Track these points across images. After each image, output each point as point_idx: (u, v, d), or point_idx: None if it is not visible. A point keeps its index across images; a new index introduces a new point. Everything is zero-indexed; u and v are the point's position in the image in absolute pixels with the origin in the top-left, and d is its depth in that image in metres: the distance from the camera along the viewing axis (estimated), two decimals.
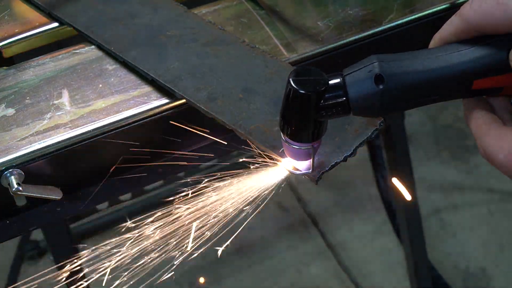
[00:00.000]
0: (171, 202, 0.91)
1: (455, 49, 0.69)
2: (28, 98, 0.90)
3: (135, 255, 0.91)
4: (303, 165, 0.79)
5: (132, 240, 0.92)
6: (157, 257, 0.90)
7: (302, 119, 0.71)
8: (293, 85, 0.69)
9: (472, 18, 0.67)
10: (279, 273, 2.30)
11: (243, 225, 0.91)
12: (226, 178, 0.90)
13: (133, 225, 0.93)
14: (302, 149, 0.75)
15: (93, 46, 0.98)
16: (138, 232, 0.92)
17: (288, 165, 0.81)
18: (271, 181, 0.87)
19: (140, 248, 0.91)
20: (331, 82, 0.69)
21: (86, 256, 0.91)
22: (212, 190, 0.90)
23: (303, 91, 0.68)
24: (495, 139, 0.66)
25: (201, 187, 0.91)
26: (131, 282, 0.89)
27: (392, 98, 0.68)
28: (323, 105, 0.69)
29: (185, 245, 0.89)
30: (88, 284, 0.95)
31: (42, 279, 0.89)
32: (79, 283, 0.94)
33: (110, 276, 0.89)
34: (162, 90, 0.91)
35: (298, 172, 0.80)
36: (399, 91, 0.68)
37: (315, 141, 0.74)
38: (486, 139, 0.67)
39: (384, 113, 0.70)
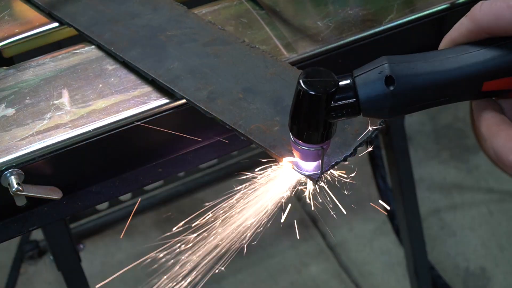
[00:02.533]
0: None
1: (465, 50, 0.69)
2: (28, 98, 0.90)
3: None
4: (310, 166, 0.79)
5: None
6: None
7: (312, 120, 0.71)
8: (303, 86, 0.68)
9: (482, 20, 0.67)
10: (279, 273, 2.30)
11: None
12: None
13: None
14: (311, 151, 0.74)
15: (93, 46, 0.98)
16: None
17: (290, 165, 0.81)
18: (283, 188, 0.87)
19: None
20: (341, 83, 0.69)
21: None
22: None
23: (313, 92, 0.68)
24: (505, 140, 0.66)
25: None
26: None
27: (403, 99, 0.68)
28: (333, 106, 0.69)
29: None
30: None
31: None
32: None
33: None
34: (162, 90, 0.91)
35: (305, 172, 0.80)
36: (409, 92, 0.67)
37: (325, 142, 0.74)
38: (496, 140, 0.67)
39: (394, 115, 0.69)
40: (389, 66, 0.67)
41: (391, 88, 0.67)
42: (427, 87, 0.68)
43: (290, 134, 0.74)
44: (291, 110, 0.72)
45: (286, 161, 0.81)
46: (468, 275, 2.31)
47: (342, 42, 1.00)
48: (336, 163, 0.81)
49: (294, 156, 0.80)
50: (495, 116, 0.69)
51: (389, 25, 1.02)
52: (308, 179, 0.81)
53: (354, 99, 0.69)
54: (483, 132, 0.70)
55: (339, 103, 0.69)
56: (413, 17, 1.04)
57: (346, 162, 0.82)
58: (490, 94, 0.70)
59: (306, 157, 0.77)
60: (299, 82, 0.69)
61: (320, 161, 0.78)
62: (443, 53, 0.69)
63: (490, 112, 0.70)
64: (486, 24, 0.67)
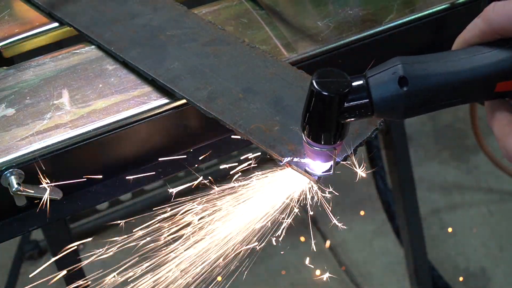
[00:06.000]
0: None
1: (478, 51, 0.69)
2: (28, 98, 0.90)
3: None
4: (321, 167, 0.79)
5: None
6: None
7: (325, 121, 0.70)
8: (316, 87, 0.68)
9: (495, 21, 0.67)
10: (279, 273, 2.30)
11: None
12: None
13: None
14: (323, 151, 0.74)
15: (93, 46, 0.98)
16: None
17: (289, 165, 0.81)
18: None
19: None
20: (354, 84, 0.69)
21: None
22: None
23: (326, 93, 0.68)
24: None
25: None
26: None
27: (416, 100, 0.68)
28: (346, 107, 0.69)
29: None
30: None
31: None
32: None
33: None
34: (162, 90, 0.91)
35: (314, 173, 0.80)
36: (423, 93, 0.67)
37: (337, 143, 0.74)
38: (508, 140, 0.67)
39: (407, 116, 0.69)
40: (402, 67, 0.67)
41: (405, 88, 0.67)
42: (440, 87, 0.68)
43: (303, 134, 0.74)
44: (303, 111, 0.71)
45: (285, 161, 0.81)
46: (468, 275, 2.31)
47: (342, 42, 1.00)
48: (337, 163, 0.81)
49: (292, 156, 0.80)
50: (507, 116, 0.69)
51: (389, 25, 1.02)
52: (308, 179, 0.81)
53: (367, 100, 0.68)
54: (495, 132, 0.70)
55: (352, 103, 0.69)
56: (413, 17, 1.04)
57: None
58: (503, 95, 0.70)
59: (318, 157, 0.76)
60: (312, 83, 0.68)
61: (323, 161, 0.77)
62: (456, 54, 0.69)
63: (503, 113, 0.70)
64: (499, 25, 0.67)
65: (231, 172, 0.90)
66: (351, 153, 0.82)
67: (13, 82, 0.93)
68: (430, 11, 1.05)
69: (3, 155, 0.83)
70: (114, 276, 0.93)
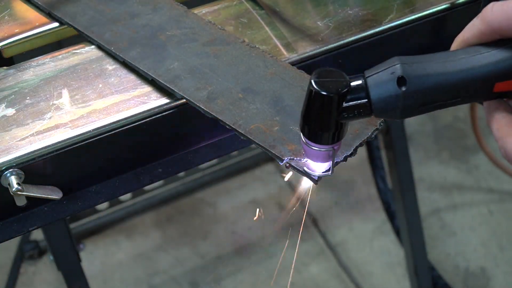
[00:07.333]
0: None
1: (477, 51, 0.69)
2: (28, 98, 0.90)
3: None
4: (320, 167, 0.79)
5: None
6: None
7: (324, 120, 0.70)
8: (315, 86, 0.68)
9: (494, 21, 0.67)
10: (279, 273, 2.30)
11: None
12: None
13: None
14: (322, 151, 0.74)
15: (93, 46, 0.98)
16: None
17: (288, 165, 0.81)
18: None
19: None
20: (353, 83, 0.69)
21: None
22: None
23: (325, 93, 0.68)
24: None
25: None
26: None
27: (415, 100, 0.68)
28: (345, 106, 0.69)
29: None
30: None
31: None
32: None
33: None
34: (162, 90, 0.91)
35: (313, 173, 0.80)
36: (421, 93, 0.67)
37: (336, 143, 0.74)
38: (507, 140, 0.67)
39: (406, 116, 0.69)
40: (401, 67, 0.67)
41: (403, 88, 0.67)
42: (439, 88, 0.68)
43: (301, 134, 0.74)
44: (302, 111, 0.71)
45: (285, 161, 0.81)
46: (468, 275, 2.31)
47: (342, 42, 1.00)
48: (336, 163, 0.81)
49: (292, 156, 0.80)
50: (506, 117, 0.69)
51: (389, 25, 1.02)
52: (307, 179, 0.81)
53: (366, 100, 0.68)
54: (494, 132, 0.70)
55: (350, 103, 0.69)
56: (413, 17, 1.04)
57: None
58: (501, 95, 0.70)
59: (316, 158, 0.77)
60: (310, 83, 0.68)
61: (322, 162, 0.77)
62: (455, 54, 0.69)
63: (502, 113, 0.70)
64: (497, 25, 0.67)
65: None
66: (351, 153, 0.82)
67: (13, 82, 0.93)
68: (430, 11, 1.05)
69: (3, 155, 0.83)
70: None
